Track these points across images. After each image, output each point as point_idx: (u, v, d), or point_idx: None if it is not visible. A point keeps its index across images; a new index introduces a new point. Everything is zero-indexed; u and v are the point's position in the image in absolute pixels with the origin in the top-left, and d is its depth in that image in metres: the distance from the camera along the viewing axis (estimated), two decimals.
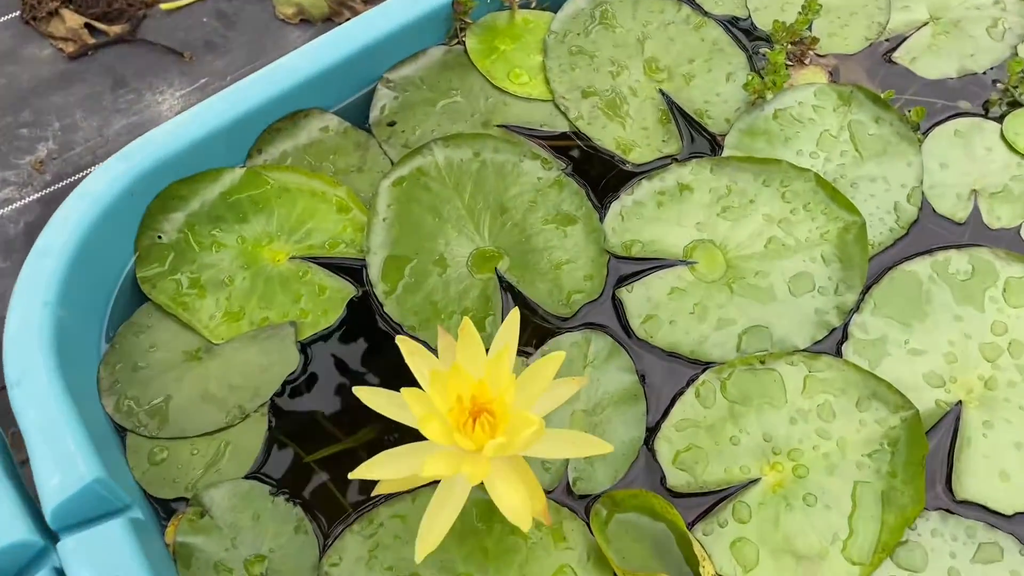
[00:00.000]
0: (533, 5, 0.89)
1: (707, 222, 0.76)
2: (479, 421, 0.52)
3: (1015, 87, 0.82)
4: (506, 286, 0.74)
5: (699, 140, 0.82)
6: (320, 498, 0.67)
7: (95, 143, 0.97)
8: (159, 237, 0.76)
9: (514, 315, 0.58)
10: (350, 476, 0.53)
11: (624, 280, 0.74)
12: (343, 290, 0.74)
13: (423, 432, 0.52)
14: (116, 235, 0.74)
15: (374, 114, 0.83)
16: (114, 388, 0.70)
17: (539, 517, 0.54)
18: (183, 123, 0.76)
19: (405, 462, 0.54)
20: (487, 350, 0.58)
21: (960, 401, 0.68)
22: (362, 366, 0.72)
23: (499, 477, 0.53)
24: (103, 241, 0.72)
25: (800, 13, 0.83)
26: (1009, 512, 0.64)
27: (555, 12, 0.88)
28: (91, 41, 1.01)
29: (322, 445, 0.69)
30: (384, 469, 0.53)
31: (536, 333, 0.72)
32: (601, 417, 0.68)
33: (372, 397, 0.55)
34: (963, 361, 0.69)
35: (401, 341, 0.56)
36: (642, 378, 0.70)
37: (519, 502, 0.51)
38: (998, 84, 0.85)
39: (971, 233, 0.76)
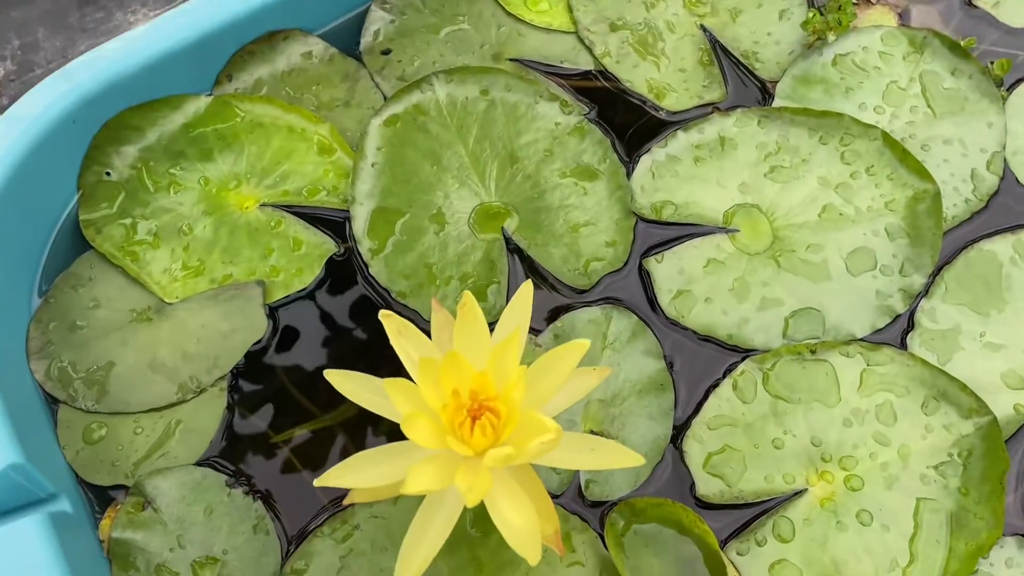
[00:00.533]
0: None
1: (752, 184, 0.65)
2: (479, 423, 0.41)
3: None
4: (514, 249, 0.63)
5: (746, 86, 0.70)
6: (286, 490, 0.57)
7: (57, 64, 0.88)
8: (107, 174, 0.64)
9: (526, 290, 0.47)
10: (315, 483, 0.43)
11: (653, 248, 0.63)
12: (322, 246, 0.63)
13: (407, 435, 0.41)
14: (55, 169, 0.63)
15: (366, 40, 0.71)
16: (46, 351, 0.59)
17: (549, 543, 0.44)
18: (138, 39, 0.64)
19: (385, 467, 0.43)
20: (491, 330, 0.47)
21: None
22: (341, 337, 0.61)
23: (502, 491, 0.42)
24: (39, 176, 0.61)
25: None
26: None
27: None
28: None
29: (293, 423, 0.59)
30: (357, 476, 0.43)
31: (547, 307, 0.61)
32: (621, 409, 0.58)
33: (346, 383, 0.45)
34: None
35: (385, 317, 0.45)
36: (670, 365, 0.59)
37: (526, 525, 0.41)
38: None
39: None
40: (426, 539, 0.42)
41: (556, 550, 0.44)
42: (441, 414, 0.43)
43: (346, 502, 0.47)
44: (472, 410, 0.42)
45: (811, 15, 0.69)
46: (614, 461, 0.44)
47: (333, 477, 0.42)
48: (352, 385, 0.45)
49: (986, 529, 0.53)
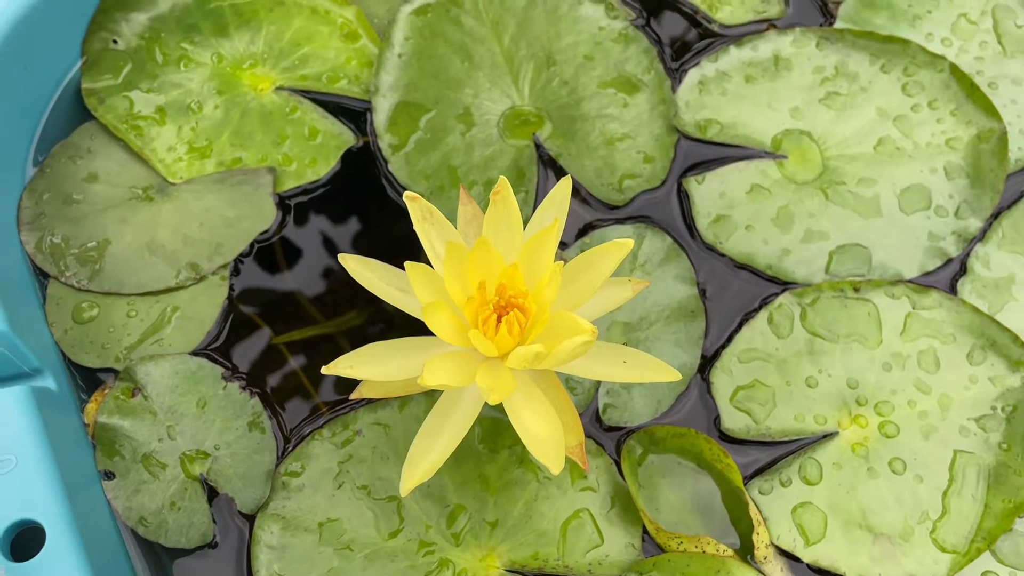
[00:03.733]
0: None
1: (805, 109, 0.60)
2: (506, 320, 0.38)
3: None
4: (545, 159, 0.59)
5: (806, 5, 0.65)
6: (285, 390, 0.54)
7: None
8: (114, 41, 0.60)
9: (565, 184, 0.43)
10: (324, 371, 0.39)
11: (694, 168, 0.59)
12: (339, 136, 0.59)
13: (428, 324, 0.37)
14: (58, 32, 0.59)
15: None
16: (38, 223, 0.55)
17: (572, 456, 0.41)
18: None
19: (399, 361, 0.40)
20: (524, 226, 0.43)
21: None
22: (354, 234, 0.57)
23: (524, 397, 0.39)
24: (39, 37, 0.57)
25: None
26: None
27: None
28: None
29: (294, 326, 0.55)
30: (370, 367, 0.39)
31: (577, 221, 0.57)
32: (647, 333, 0.54)
33: (362, 269, 0.41)
34: None
35: (411, 199, 0.41)
36: (703, 292, 0.56)
37: (549, 434, 0.37)
38: None
39: None
40: (438, 442, 0.39)
41: (579, 463, 0.41)
42: (464, 309, 0.39)
43: (354, 396, 0.43)
44: (498, 306, 0.39)
45: None
46: (647, 374, 0.41)
47: (344, 365, 0.39)
48: (371, 273, 0.42)
49: None
